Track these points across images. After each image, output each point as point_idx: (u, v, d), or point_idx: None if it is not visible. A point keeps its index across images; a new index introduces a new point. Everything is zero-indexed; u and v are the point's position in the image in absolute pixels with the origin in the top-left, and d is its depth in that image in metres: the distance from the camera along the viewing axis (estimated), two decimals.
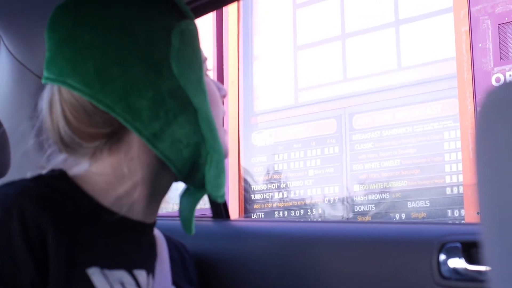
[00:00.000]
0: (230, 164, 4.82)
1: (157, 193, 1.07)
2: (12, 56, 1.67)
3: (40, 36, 1.11)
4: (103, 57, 0.98)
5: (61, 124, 1.00)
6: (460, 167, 3.86)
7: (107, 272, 0.96)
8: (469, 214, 3.74)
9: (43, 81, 1.03)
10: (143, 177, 1.03)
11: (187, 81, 1.00)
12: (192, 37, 1.04)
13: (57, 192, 0.97)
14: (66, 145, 1.01)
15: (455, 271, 1.23)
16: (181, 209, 1.09)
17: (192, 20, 1.07)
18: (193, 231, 1.08)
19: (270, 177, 4.75)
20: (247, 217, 4.77)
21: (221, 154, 1.03)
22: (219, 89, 1.12)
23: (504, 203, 0.52)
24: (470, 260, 1.23)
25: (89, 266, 0.94)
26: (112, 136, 1.00)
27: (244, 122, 4.90)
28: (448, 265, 1.24)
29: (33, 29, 1.11)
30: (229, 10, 4.99)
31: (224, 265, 1.48)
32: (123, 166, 1.01)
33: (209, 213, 1.70)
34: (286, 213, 4.60)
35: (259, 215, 4.74)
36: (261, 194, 4.76)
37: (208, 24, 5.06)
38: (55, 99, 1.01)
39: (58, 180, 0.99)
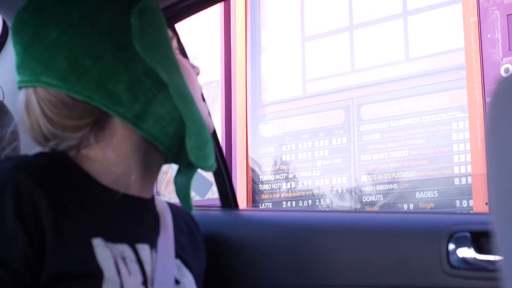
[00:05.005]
0: (238, 155, 4.83)
1: (150, 171, 1.10)
2: None
3: None
4: (72, 50, 0.99)
5: (42, 122, 1.01)
6: (469, 158, 3.84)
7: (111, 245, 0.97)
8: (477, 204, 3.73)
9: (17, 85, 1.04)
10: (134, 159, 1.05)
11: (154, 59, 1.01)
12: (152, 14, 1.05)
13: (56, 167, 0.99)
14: (49, 141, 1.03)
15: (464, 260, 1.24)
16: (177, 190, 1.10)
17: None
18: (193, 208, 1.09)
19: (278, 167, 4.75)
20: (255, 207, 4.78)
21: (201, 124, 1.03)
22: (193, 67, 1.14)
23: None
24: (479, 250, 1.24)
25: (93, 237, 0.96)
26: (95, 125, 1.02)
27: (251, 113, 4.90)
28: (457, 255, 1.25)
29: None
30: (237, 2, 4.99)
31: (233, 253, 1.49)
32: (111, 151, 1.03)
33: (217, 202, 1.71)
34: (294, 203, 4.60)
35: (267, 205, 4.75)
36: (269, 185, 4.76)
37: (215, 15, 5.06)
38: (31, 100, 1.02)
39: (59, 158, 1.01)
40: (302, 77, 4.72)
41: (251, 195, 4.79)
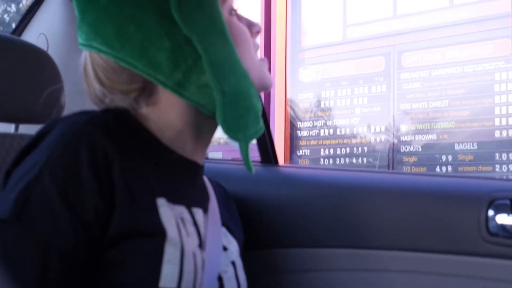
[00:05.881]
0: (277, 99, 4.83)
1: (203, 135, 1.10)
2: None
3: None
4: (119, 16, 1.00)
5: (96, 85, 1.05)
6: (511, 110, 3.80)
7: (172, 206, 0.99)
8: None
9: (79, 46, 1.07)
10: (185, 123, 1.06)
11: (192, 28, 0.99)
12: None
13: (123, 124, 1.01)
14: (104, 103, 1.06)
15: (503, 227, 1.24)
16: (240, 150, 1.09)
17: None
18: (252, 169, 1.08)
19: (316, 113, 4.74)
20: (292, 153, 4.80)
21: (238, 94, 1.02)
22: (252, 26, 1.12)
23: None
24: None
25: (158, 196, 0.98)
26: (143, 90, 1.04)
27: (291, 58, 4.87)
28: (496, 221, 1.24)
29: None
30: None
31: (271, 210, 1.50)
32: (162, 114, 1.05)
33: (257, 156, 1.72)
34: (331, 150, 4.61)
35: (304, 151, 4.76)
36: (307, 131, 4.76)
37: None
38: (87, 63, 1.06)
39: (124, 114, 1.04)
40: (342, 22, 4.67)
41: (288, 140, 4.81)
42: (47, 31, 1.76)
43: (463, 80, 4.01)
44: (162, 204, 0.98)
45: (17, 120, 1.36)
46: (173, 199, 1.01)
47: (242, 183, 1.54)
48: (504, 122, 3.84)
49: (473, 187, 1.33)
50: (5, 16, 14.52)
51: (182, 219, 1.00)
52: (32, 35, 1.78)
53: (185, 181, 1.08)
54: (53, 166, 0.90)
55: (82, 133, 0.93)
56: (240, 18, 1.12)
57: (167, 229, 0.96)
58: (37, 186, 0.89)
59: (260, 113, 1.07)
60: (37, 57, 1.36)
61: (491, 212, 1.25)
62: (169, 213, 0.98)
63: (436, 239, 1.30)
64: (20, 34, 1.82)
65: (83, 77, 1.07)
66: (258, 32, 1.14)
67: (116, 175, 0.93)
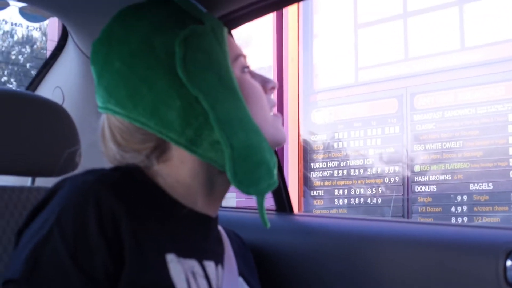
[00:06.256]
0: (290, 142, 4.83)
1: (216, 190, 1.11)
2: (80, 51, 1.71)
3: None
4: (131, 78, 1.03)
5: (112, 145, 1.08)
6: None
7: (182, 260, 0.99)
8: None
9: (98, 109, 1.09)
10: (197, 180, 1.08)
11: (197, 87, 1.01)
12: (201, 40, 1.05)
13: (132, 181, 1.02)
14: (117, 161, 1.08)
15: None
16: (256, 204, 1.09)
17: (203, 22, 1.08)
18: (268, 224, 1.08)
19: (329, 155, 4.74)
20: (306, 194, 4.79)
21: (249, 149, 1.02)
22: (266, 83, 1.14)
23: None
24: None
25: (167, 252, 0.99)
26: (156, 148, 1.06)
27: (303, 100, 4.89)
28: None
29: (100, 25, 1.14)
30: None
31: (287, 259, 1.49)
32: (174, 172, 1.06)
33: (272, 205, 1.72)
34: (346, 191, 4.60)
35: (318, 192, 4.75)
36: (321, 172, 4.76)
37: None
38: (105, 125, 1.09)
39: (134, 172, 1.05)
40: (354, 64, 4.69)
41: (302, 182, 4.80)
42: (62, 84, 1.78)
43: (476, 121, 4.01)
44: (172, 260, 0.98)
45: (33, 173, 1.37)
46: (184, 254, 1.01)
47: (257, 231, 1.54)
48: None
49: (490, 237, 1.32)
50: (19, 57, 14.66)
51: (193, 273, 1.01)
52: (48, 88, 1.80)
53: (197, 234, 1.08)
54: (62, 225, 0.91)
55: (90, 192, 0.94)
56: (253, 75, 1.13)
57: (176, 285, 0.96)
58: (47, 246, 0.91)
59: (274, 167, 1.06)
60: (52, 112, 1.37)
61: (509, 262, 1.24)
62: (178, 268, 0.98)
63: None
64: (35, 88, 1.84)
65: (101, 139, 1.10)
66: (273, 89, 1.15)
67: (124, 232, 0.94)
